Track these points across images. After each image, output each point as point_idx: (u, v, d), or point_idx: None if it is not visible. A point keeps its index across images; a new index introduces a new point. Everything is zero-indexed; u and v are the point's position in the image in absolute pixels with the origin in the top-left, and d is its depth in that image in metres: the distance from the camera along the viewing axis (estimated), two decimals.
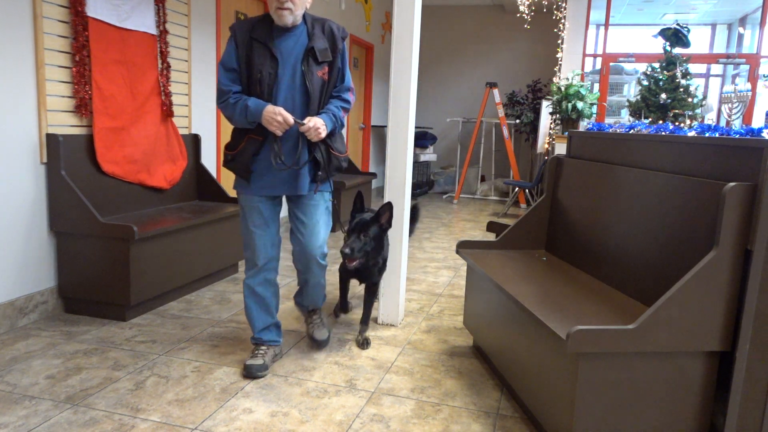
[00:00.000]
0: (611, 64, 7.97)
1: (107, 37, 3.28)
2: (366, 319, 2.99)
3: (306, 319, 2.90)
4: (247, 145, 2.42)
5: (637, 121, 4.63)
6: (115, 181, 3.38)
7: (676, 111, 5.67)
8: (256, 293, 2.58)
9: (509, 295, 2.20)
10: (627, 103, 6.27)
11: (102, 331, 2.95)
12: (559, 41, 7.94)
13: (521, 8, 7.83)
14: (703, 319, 1.75)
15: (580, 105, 6.89)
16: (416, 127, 8.61)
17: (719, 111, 5.52)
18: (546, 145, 7.86)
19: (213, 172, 4.46)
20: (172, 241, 3.31)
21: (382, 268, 2.93)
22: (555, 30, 8.22)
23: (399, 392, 2.42)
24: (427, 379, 2.57)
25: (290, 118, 2.32)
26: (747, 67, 7.53)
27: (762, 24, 7.34)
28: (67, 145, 3.07)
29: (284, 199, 2.63)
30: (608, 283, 2.35)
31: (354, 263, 2.66)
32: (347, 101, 2.56)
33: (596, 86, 8.10)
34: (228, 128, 2.84)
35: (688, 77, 5.85)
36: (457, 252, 2.91)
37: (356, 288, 3.62)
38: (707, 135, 2.00)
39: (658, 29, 5.99)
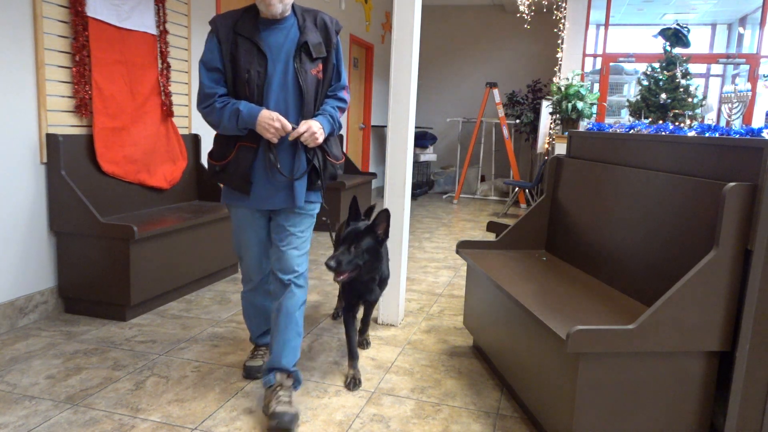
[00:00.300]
0: (611, 64, 7.97)
1: (107, 37, 3.28)
2: (364, 330, 2.89)
3: (267, 396, 2.17)
4: (240, 154, 2.16)
5: (637, 121, 4.63)
6: (115, 181, 3.38)
7: (676, 111, 5.67)
8: (255, 305, 2.47)
9: (509, 295, 2.20)
10: (627, 103, 6.27)
11: (102, 331, 2.95)
12: (559, 41, 7.94)
13: (521, 8, 7.83)
14: (703, 319, 1.75)
15: (580, 105, 6.89)
16: (416, 127, 8.61)
17: (719, 111, 5.53)
18: (546, 145, 7.86)
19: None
20: (172, 241, 3.31)
21: (382, 285, 2.58)
22: (555, 30, 8.22)
23: (399, 392, 2.42)
24: (427, 379, 2.57)
25: (288, 125, 2.08)
26: (747, 67, 7.53)
27: (762, 24, 7.34)
28: (67, 145, 3.07)
29: None
30: (608, 283, 2.35)
31: (341, 278, 2.28)
32: (343, 100, 2.32)
33: (596, 86, 8.11)
34: None
35: (688, 77, 5.84)
36: (457, 252, 2.91)
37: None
38: (707, 135, 2.00)
39: (658, 29, 5.99)
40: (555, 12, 8.36)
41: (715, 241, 1.73)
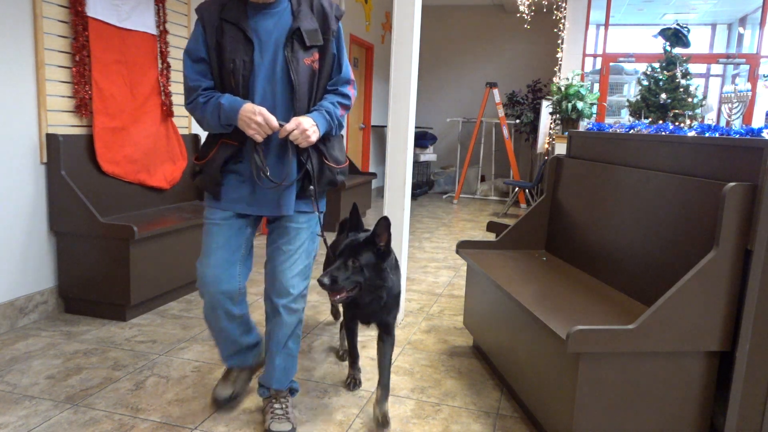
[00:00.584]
0: (611, 64, 7.97)
1: (107, 37, 3.28)
2: (385, 381, 2.16)
3: (265, 408, 2.13)
4: (219, 151, 1.96)
5: (637, 121, 4.63)
6: (115, 181, 3.38)
7: (676, 111, 5.67)
8: (219, 327, 2.12)
9: (509, 295, 2.20)
10: (627, 103, 6.27)
11: (102, 331, 2.95)
12: (559, 41, 7.94)
13: (521, 8, 7.83)
14: (703, 319, 1.75)
15: (580, 105, 6.89)
16: (416, 127, 8.61)
17: (719, 111, 5.53)
18: (546, 145, 7.86)
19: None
20: (172, 241, 3.31)
21: (392, 303, 2.13)
22: (555, 30, 8.22)
23: (399, 392, 2.42)
24: (427, 379, 2.57)
25: (273, 120, 1.85)
26: (747, 67, 7.53)
27: (762, 24, 7.34)
28: (67, 145, 3.07)
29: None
30: (608, 283, 2.35)
31: (339, 297, 1.94)
32: (346, 96, 2.04)
33: (596, 86, 8.10)
34: None
35: (688, 77, 5.84)
36: (457, 252, 2.91)
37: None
38: (707, 135, 2.00)
39: (658, 29, 5.99)
40: (555, 12, 8.36)
41: (715, 241, 1.73)
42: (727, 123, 3.37)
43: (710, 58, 8.52)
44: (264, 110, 1.84)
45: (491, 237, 3.21)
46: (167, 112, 3.78)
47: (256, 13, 1.92)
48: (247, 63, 1.89)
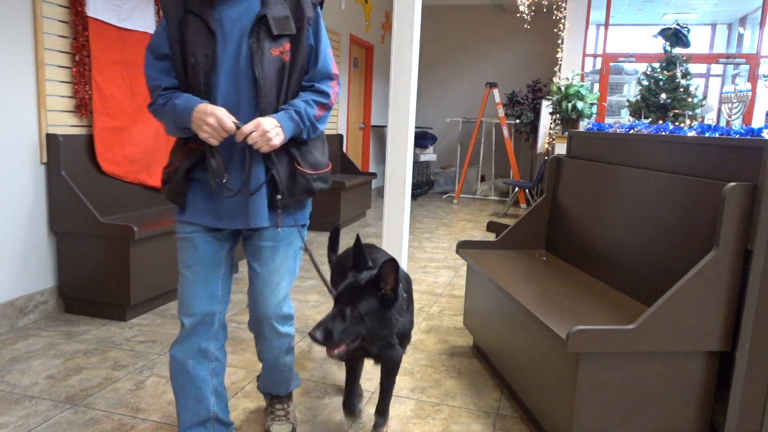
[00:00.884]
0: (611, 64, 7.97)
1: (107, 37, 3.28)
2: (383, 408, 2.05)
3: (266, 407, 2.12)
4: (185, 158, 1.78)
5: (637, 121, 4.63)
6: (115, 181, 3.38)
7: (676, 111, 5.67)
8: (185, 371, 1.79)
9: (509, 295, 2.20)
10: (627, 103, 6.26)
11: (102, 331, 2.95)
12: (559, 41, 7.94)
13: (521, 8, 7.83)
14: (703, 319, 1.75)
15: (580, 105, 6.89)
16: (416, 127, 8.61)
17: (719, 111, 5.52)
18: (546, 145, 7.86)
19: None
20: (172, 241, 3.31)
21: (403, 342, 1.92)
22: (555, 30, 8.22)
23: (399, 392, 2.42)
24: (427, 379, 2.57)
25: (227, 121, 1.62)
26: (747, 67, 7.53)
27: (762, 24, 7.34)
28: (67, 145, 3.07)
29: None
30: (608, 283, 2.35)
31: (336, 353, 1.66)
32: (324, 93, 1.77)
33: (596, 86, 8.10)
34: None
35: (688, 77, 5.84)
36: (457, 252, 2.91)
37: None
38: (707, 135, 2.00)
39: (658, 29, 5.98)
40: (555, 12, 8.36)
41: (715, 241, 1.73)
42: (727, 123, 3.37)
43: (710, 58, 8.52)
44: (218, 110, 1.62)
45: (491, 237, 3.21)
46: None
47: (222, 2, 1.71)
48: (209, 57, 1.67)
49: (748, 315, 1.73)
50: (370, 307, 1.67)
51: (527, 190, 8.25)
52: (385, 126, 8.33)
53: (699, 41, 8.44)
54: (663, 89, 5.75)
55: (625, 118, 8.05)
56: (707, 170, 1.94)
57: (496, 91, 8.38)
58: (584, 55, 7.81)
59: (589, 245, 2.54)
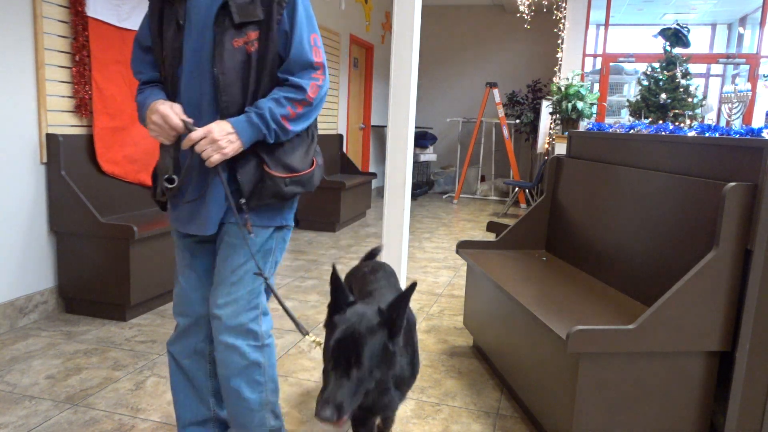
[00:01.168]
0: (611, 64, 7.97)
1: (107, 37, 3.28)
2: None
3: None
4: (161, 157, 1.61)
5: (637, 121, 4.63)
6: (115, 181, 3.38)
7: (676, 111, 5.67)
8: (181, 367, 1.75)
9: (509, 295, 2.20)
10: (627, 103, 6.27)
11: (102, 331, 2.95)
12: (559, 41, 7.94)
13: (521, 8, 7.83)
14: (703, 319, 1.75)
15: (580, 105, 6.89)
16: (416, 127, 8.61)
17: (719, 111, 5.52)
18: (546, 145, 7.86)
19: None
20: (172, 241, 3.31)
21: (401, 384, 1.58)
22: (555, 30, 8.22)
23: None
24: (427, 379, 2.57)
25: (173, 118, 1.48)
26: (747, 67, 7.53)
27: (762, 24, 7.34)
28: (67, 145, 3.07)
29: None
30: (608, 283, 2.35)
31: (345, 419, 1.29)
32: (298, 88, 1.53)
33: (596, 86, 8.10)
34: None
35: (688, 77, 5.84)
36: (457, 252, 2.91)
37: None
38: (707, 135, 2.00)
39: (658, 29, 5.99)
40: (555, 12, 8.36)
41: (715, 241, 1.73)
42: (727, 123, 3.37)
43: (710, 58, 8.52)
44: (165, 107, 1.49)
45: (491, 237, 3.21)
46: None
47: None
48: (176, 50, 1.54)
49: (748, 315, 1.73)
50: (376, 351, 1.33)
51: (527, 190, 8.25)
52: (385, 126, 8.33)
53: (699, 41, 8.44)
54: (663, 89, 5.75)
55: (625, 118, 8.05)
56: (707, 170, 1.94)
57: (496, 91, 8.38)
58: (584, 55, 7.81)
59: (589, 245, 2.54)
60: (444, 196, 9.28)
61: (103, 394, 2.30)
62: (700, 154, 1.98)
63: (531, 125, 8.94)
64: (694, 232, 1.88)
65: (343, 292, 1.40)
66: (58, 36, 3.05)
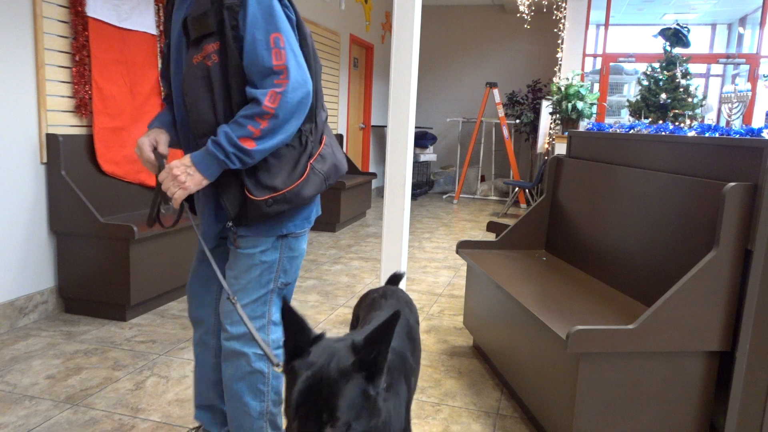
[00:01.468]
0: (611, 64, 7.97)
1: (107, 37, 3.28)
2: None
3: None
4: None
5: (637, 121, 4.63)
6: (115, 181, 3.38)
7: (676, 111, 5.67)
8: (195, 355, 1.84)
9: (509, 295, 2.20)
10: (627, 103, 6.27)
11: (102, 331, 2.95)
12: (559, 41, 7.94)
13: (521, 8, 7.83)
14: (703, 319, 1.75)
15: (580, 105, 6.89)
16: (416, 127, 8.61)
17: (719, 111, 5.53)
18: (546, 145, 7.86)
19: None
20: (172, 241, 3.31)
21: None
22: (555, 30, 8.22)
23: None
24: (427, 379, 2.57)
25: (146, 152, 1.50)
26: (747, 67, 7.53)
27: (762, 24, 7.34)
28: (67, 145, 3.07)
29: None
30: (608, 283, 2.35)
31: None
32: (254, 101, 1.39)
33: (596, 86, 8.11)
34: None
35: (688, 77, 5.84)
36: (457, 252, 2.91)
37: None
38: (707, 135, 2.00)
39: (658, 29, 5.99)
40: (555, 12, 8.36)
41: (715, 241, 1.73)
42: (727, 123, 3.37)
43: (710, 58, 8.53)
44: (143, 140, 1.50)
45: (491, 237, 3.21)
46: None
47: (174, 4, 1.56)
48: (167, 72, 1.56)
49: (748, 315, 1.73)
50: (353, 405, 1.02)
51: (527, 190, 8.25)
52: (385, 126, 8.33)
53: (699, 41, 8.44)
54: (663, 89, 5.76)
55: (625, 118, 8.05)
56: (707, 170, 1.94)
57: (496, 91, 8.38)
58: (584, 55, 7.81)
59: (589, 245, 2.54)
60: (444, 196, 9.28)
61: (103, 394, 2.30)
62: (700, 154, 1.98)
63: (531, 125, 8.94)
64: (694, 232, 1.88)
65: (301, 328, 1.09)
66: (58, 36, 3.05)
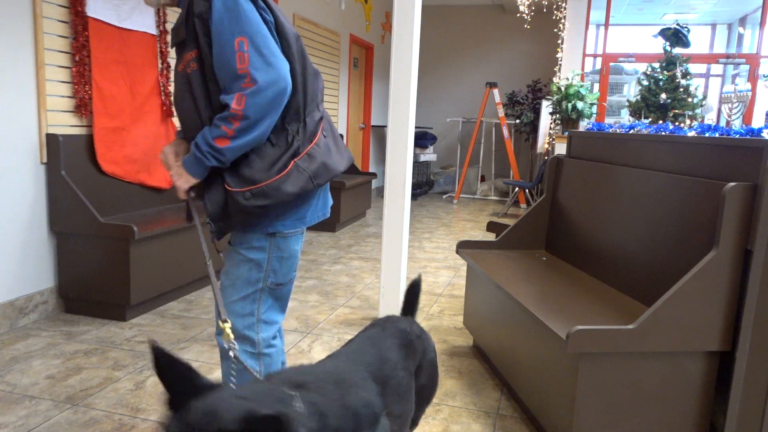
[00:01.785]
0: (611, 64, 7.97)
1: (107, 37, 3.28)
2: None
3: None
4: None
5: (637, 121, 4.63)
6: (115, 181, 3.38)
7: (676, 111, 5.67)
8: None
9: (509, 295, 2.20)
10: (627, 103, 6.27)
11: (102, 331, 2.95)
12: (559, 41, 7.94)
13: (521, 8, 7.82)
14: (703, 319, 1.75)
15: (580, 105, 6.89)
16: (416, 127, 8.61)
17: (719, 111, 5.53)
18: (546, 145, 7.86)
19: None
20: (172, 241, 3.31)
21: None
22: (555, 30, 8.22)
23: None
24: None
25: (170, 160, 1.63)
26: (747, 67, 7.53)
27: (762, 24, 7.34)
28: (67, 145, 3.07)
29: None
30: (608, 283, 2.35)
31: None
32: (225, 106, 1.46)
33: (596, 86, 8.10)
34: None
35: (688, 77, 5.84)
36: (457, 252, 2.91)
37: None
38: (707, 135, 2.00)
39: (658, 29, 5.99)
40: (555, 12, 8.36)
41: (715, 241, 1.73)
42: (727, 123, 3.37)
43: (710, 58, 8.53)
44: (166, 148, 1.63)
45: (491, 237, 3.21)
46: (167, 112, 3.78)
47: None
48: None
49: (748, 315, 1.73)
50: None
51: (527, 190, 8.25)
52: (385, 126, 8.33)
53: (699, 41, 8.44)
54: (663, 89, 5.76)
55: (625, 118, 8.05)
56: (707, 170, 1.94)
57: (496, 91, 8.38)
58: (584, 55, 7.81)
59: (589, 245, 2.54)
60: (444, 196, 9.27)
61: (103, 394, 2.30)
62: (700, 154, 1.98)
63: (531, 125, 8.94)
64: (694, 232, 1.88)
65: (180, 374, 0.87)
66: (58, 36, 3.05)
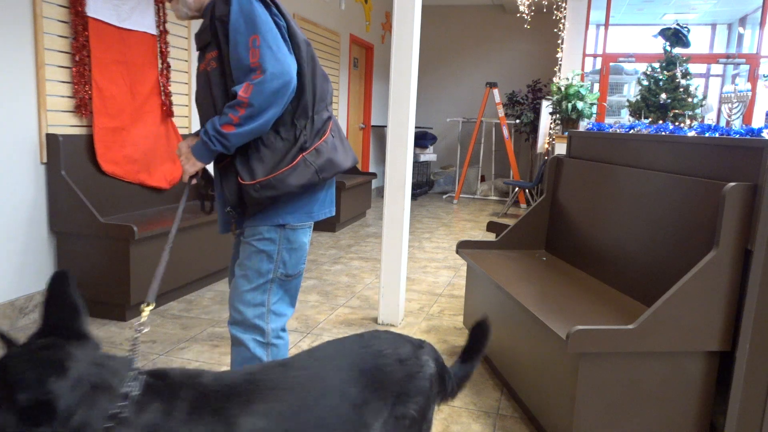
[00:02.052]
0: (611, 64, 7.97)
1: (107, 37, 3.28)
2: None
3: None
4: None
5: (637, 121, 4.63)
6: (115, 181, 3.38)
7: (676, 111, 5.67)
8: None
9: (509, 295, 2.20)
10: (627, 103, 6.27)
11: (102, 331, 2.95)
12: (559, 41, 7.94)
13: (521, 8, 7.82)
14: (703, 319, 1.75)
15: (580, 105, 6.89)
16: (416, 127, 8.61)
17: (719, 111, 5.53)
18: (546, 145, 7.86)
19: (213, 172, 4.45)
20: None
21: None
22: (555, 30, 8.22)
23: None
24: None
25: (181, 147, 1.76)
26: (747, 67, 7.53)
27: (762, 24, 7.34)
28: (67, 145, 3.07)
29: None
30: (608, 283, 2.35)
31: None
32: (234, 95, 1.57)
33: (596, 86, 8.10)
34: None
35: (688, 77, 5.84)
36: (457, 252, 2.91)
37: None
38: (707, 135, 2.00)
39: (658, 29, 5.99)
40: (555, 12, 8.36)
41: (715, 241, 1.73)
42: (727, 123, 3.37)
43: (710, 58, 8.53)
44: (183, 144, 1.73)
45: (491, 237, 3.21)
46: (167, 112, 3.78)
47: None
48: None
49: (748, 315, 1.73)
50: None
51: (527, 190, 8.25)
52: (385, 126, 8.33)
53: (699, 41, 8.44)
54: (663, 89, 5.76)
55: (625, 118, 8.05)
56: (707, 170, 1.94)
57: (496, 91, 8.38)
58: (584, 55, 7.81)
59: (589, 245, 2.54)
60: (444, 196, 9.28)
61: None
62: (700, 154, 1.98)
63: (531, 125, 8.94)
64: (693, 232, 1.88)
65: (64, 311, 0.77)
66: (58, 36, 3.05)
